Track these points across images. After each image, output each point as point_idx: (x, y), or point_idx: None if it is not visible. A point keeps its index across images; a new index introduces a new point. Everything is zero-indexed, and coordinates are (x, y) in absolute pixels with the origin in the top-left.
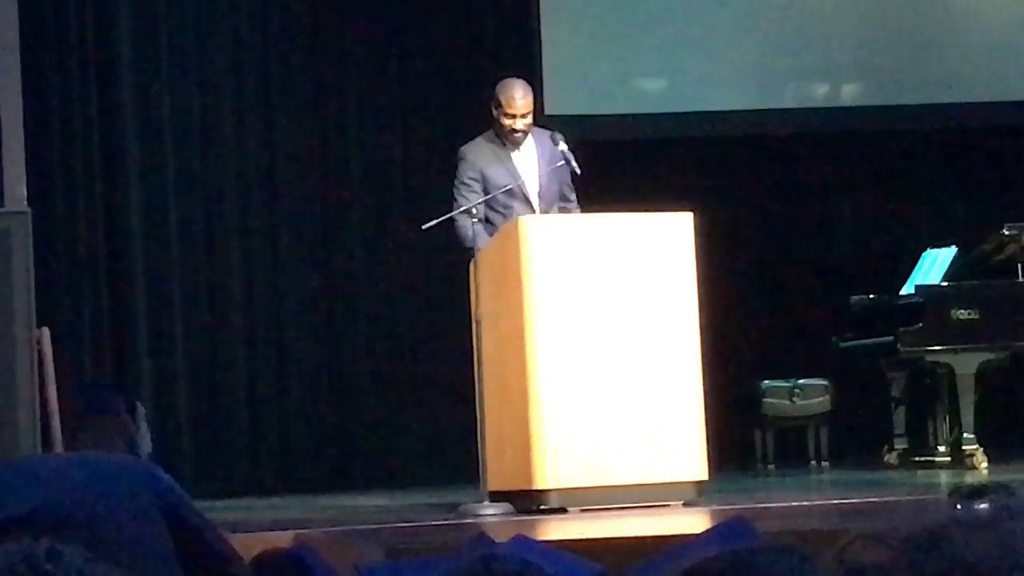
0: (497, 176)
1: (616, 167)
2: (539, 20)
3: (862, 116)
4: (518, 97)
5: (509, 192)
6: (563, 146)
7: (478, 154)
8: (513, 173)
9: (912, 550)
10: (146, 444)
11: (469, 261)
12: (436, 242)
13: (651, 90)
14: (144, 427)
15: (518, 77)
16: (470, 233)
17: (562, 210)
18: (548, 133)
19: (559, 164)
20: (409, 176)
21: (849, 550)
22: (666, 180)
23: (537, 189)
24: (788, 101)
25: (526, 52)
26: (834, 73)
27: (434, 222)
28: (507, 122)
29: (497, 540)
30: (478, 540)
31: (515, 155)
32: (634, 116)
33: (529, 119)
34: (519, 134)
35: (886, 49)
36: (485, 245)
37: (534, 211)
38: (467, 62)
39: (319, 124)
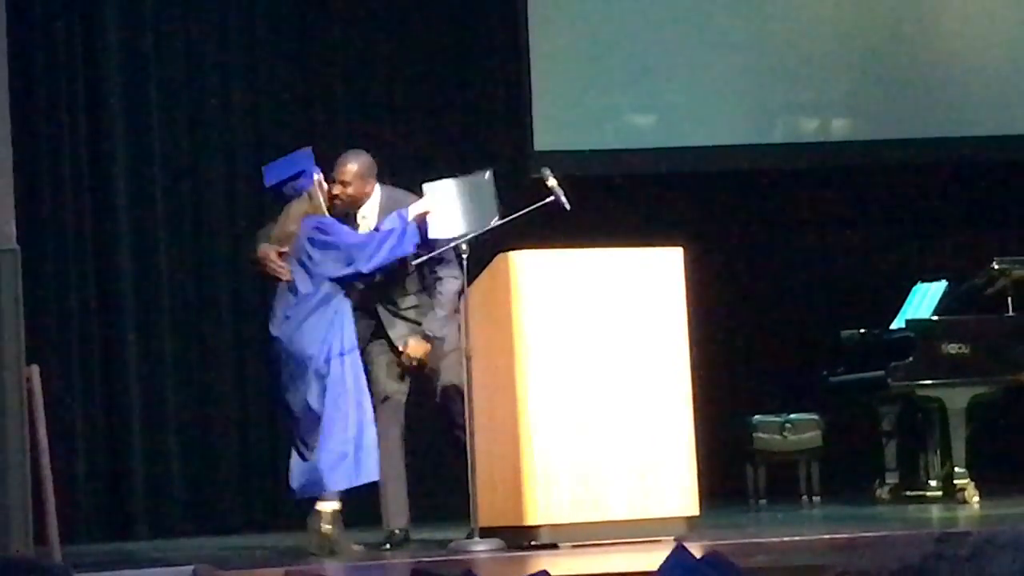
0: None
1: (606, 202)
2: (529, 56)
3: (852, 151)
4: (341, 163)
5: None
6: (552, 181)
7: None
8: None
9: None
10: None
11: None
12: None
13: (641, 125)
14: None
15: (508, 114)
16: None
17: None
18: (402, 191)
19: (547, 200)
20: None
21: None
22: (656, 215)
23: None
24: (778, 136)
25: (516, 87)
26: (824, 108)
27: (424, 258)
28: (336, 189)
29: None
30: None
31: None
32: (624, 151)
33: (352, 188)
34: (339, 202)
35: (876, 84)
36: (475, 280)
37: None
38: (458, 99)
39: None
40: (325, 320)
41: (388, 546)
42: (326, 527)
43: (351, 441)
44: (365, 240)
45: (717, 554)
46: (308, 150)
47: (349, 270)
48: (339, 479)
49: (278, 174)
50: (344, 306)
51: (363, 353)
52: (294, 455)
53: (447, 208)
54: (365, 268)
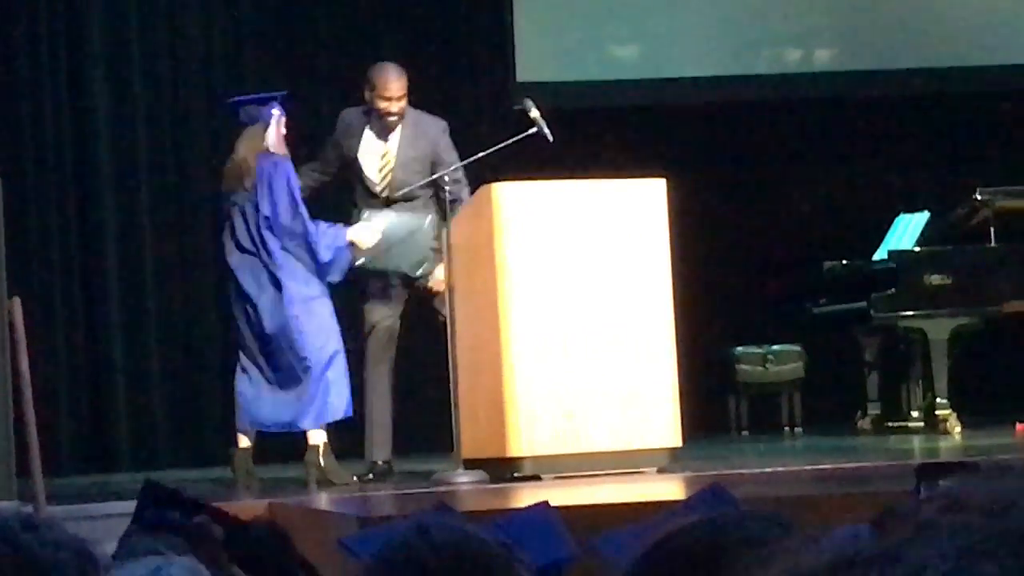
0: (350, 149)
1: (588, 134)
2: None
3: (835, 82)
4: (392, 80)
5: (355, 174)
6: (535, 112)
7: (346, 121)
8: (368, 150)
9: None
10: None
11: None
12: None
13: (623, 57)
14: None
15: (491, 45)
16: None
17: (437, 191)
18: (440, 124)
19: (529, 132)
20: None
21: None
22: (639, 147)
23: (384, 178)
24: (761, 67)
25: (498, 19)
26: (807, 39)
27: (406, 190)
28: (382, 105)
29: (471, 507)
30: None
31: (374, 138)
32: (606, 83)
33: (403, 103)
34: (393, 118)
35: (859, 15)
36: (458, 213)
37: (375, 196)
38: (441, 32)
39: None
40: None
41: (371, 477)
42: (323, 460)
43: (324, 377)
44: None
45: (717, 485)
46: (285, 92)
47: (310, 250)
48: (321, 414)
49: (244, 99)
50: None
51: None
52: (264, 390)
53: (380, 240)
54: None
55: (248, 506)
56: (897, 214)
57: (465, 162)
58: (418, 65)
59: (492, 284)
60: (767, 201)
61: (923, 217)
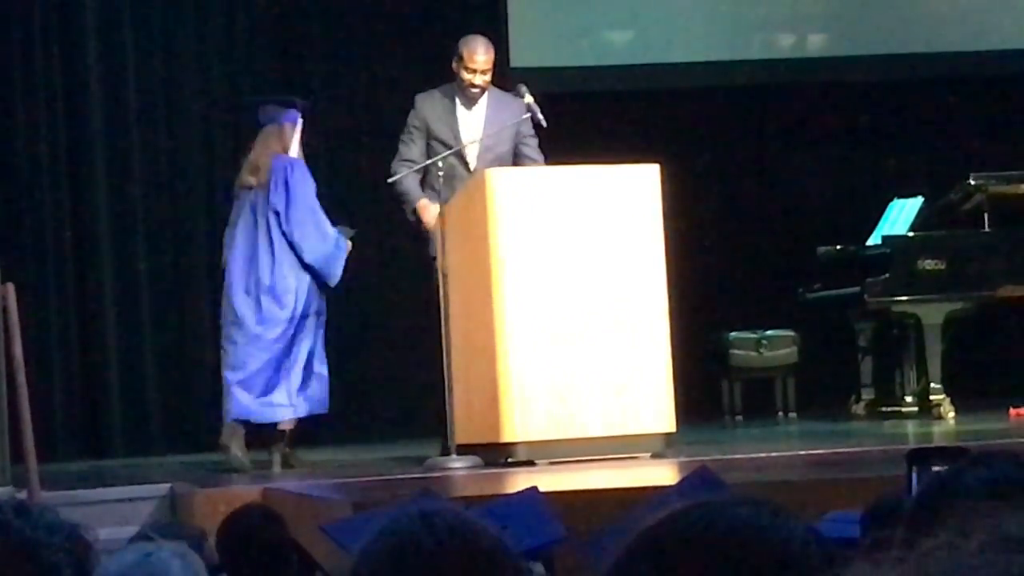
0: (440, 131)
1: (582, 119)
2: None
3: (828, 67)
4: (480, 52)
5: (453, 152)
6: (528, 98)
7: (428, 105)
8: (455, 131)
9: None
10: None
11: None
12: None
13: (617, 42)
14: None
15: (484, 30)
16: (410, 189)
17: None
18: (510, 94)
19: (524, 117)
20: (374, 127)
21: None
22: (632, 132)
23: (476, 151)
24: (754, 52)
25: (491, 5)
26: (800, 24)
27: (397, 176)
28: (467, 76)
29: (465, 492)
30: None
31: (463, 114)
32: (600, 68)
33: (488, 76)
34: (476, 90)
35: (851, 0)
36: (452, 198)
37: (470, 172)
38: (433, 14)
39: (284, 79)
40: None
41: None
42: (285, 447)
43: (312, 370)
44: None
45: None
46: (306, 101)
47: (320, 262)
48: (307, 406)
49: (263, 100)
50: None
51: None
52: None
53: None
54: (332, 282)
55: (243, 491)
56: (891, 199)
57: (463, 146)
58: (412, 51)
59: (486, 270)
60: (761, 186)
61: (917, 202)
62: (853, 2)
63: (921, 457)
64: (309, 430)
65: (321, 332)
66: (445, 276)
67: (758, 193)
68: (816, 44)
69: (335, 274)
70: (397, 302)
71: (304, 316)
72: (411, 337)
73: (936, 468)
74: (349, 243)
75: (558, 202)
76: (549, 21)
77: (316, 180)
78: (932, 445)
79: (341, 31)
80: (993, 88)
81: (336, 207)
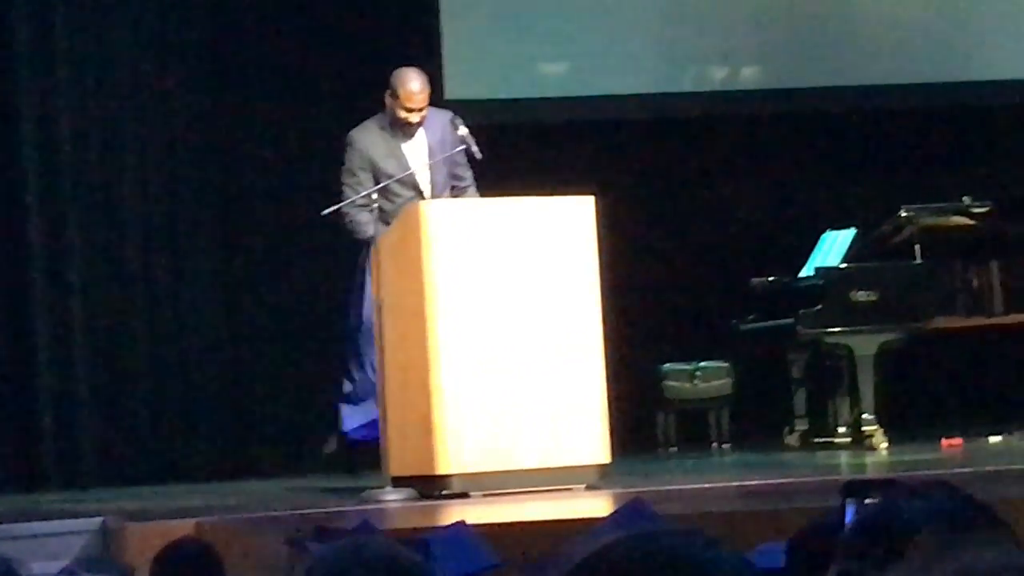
0: (387, 166)
1: (517, 151)
2: (439, 5)
3: (761, 99)
4: (416, 91)
5: (400, 182)
6: (463, 130)
7: (368, 142)
8: (403, 163)
9: None
10: None
11: (360, 250)
12: (336, 227)
13: (552, 74)
14: None
15: (419, 62)
16: (361, 224)
17: (456, 192)
18: (446, 116)
19: (458, 149)
20: (309, 161)
21: None
22: (567, 164)
23: (428, 177)
24: (688, 84)
25: (426, 36)
26: (733, 57)
27: (333, 208)
28: (403, 114)
29: (400, 525)
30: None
31: (405, 144)
32: (535, 100)
33: (425, 112)
34: (414, 127)
35: (784, 33)
36: (385, 231)
37: (424, 199)
38: (367, 46)
39: (217, 111)
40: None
41: None
42: None
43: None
44: None
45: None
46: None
47: None
48: None
49: None
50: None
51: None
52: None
53: None
54: None
55: (176, 525)
56: (824, 231)
57: (393, 179)
58: (346, 82)
59: (420, 301)
60: (695, 218)
61: (849, 234)
62: (786, 35)
63: (855, 489)
64: (242, 462)
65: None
66: (380, 308)
67: (692, 225)
68: (749, 76)
69: None
70: (335, 334)
71: None
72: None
73: (870, 500)
74: None
75: (493, 233)
76: (484, 53)
77: (259, 215)
78: (866, 477)
79: (274, 62)
80: (924, 120)
81: (274, 240)
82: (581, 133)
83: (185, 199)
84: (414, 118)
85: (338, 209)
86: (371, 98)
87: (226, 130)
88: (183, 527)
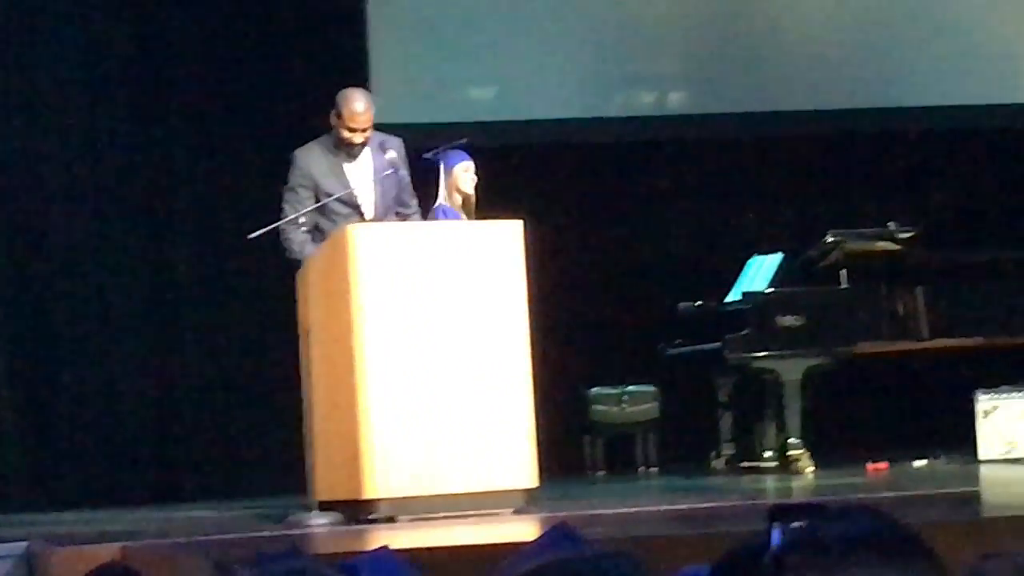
0: (329, 185)
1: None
2: (367, 29)
3: (688, 124)
4: (359, 112)
5: (341, 201)
6: (391, 154)
7: (311, 161)
8: (344, 183)
9: None
10: None
11: (296, 270)
12: (265, 251)
13: (480, 99)
14: None
15: (346, 86)
16: (295, 244)
17: (400, 217)
18: (390, 140)
19: (386, 172)
20: (237, 184)
21: None
22: (496, 188)
23: (372, 199)
24: (615, 109)
25: (354, 61)
26: (661, 82)
27: (260, 231)
28: (347, 134)
29: (325, 549)
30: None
31: (348, 165)
32: (463, 124)
33: (369, 132)
34: (356, 147)
35: (712, 58)
36: (313, 254)
37: (365, 221)
38: (295, 71)
39: (145, 136)
40: None
41: None
42: None
43: None
44: None
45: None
46: (441, 149)
47: None
48: None
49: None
50: None
51: None
52: None
53: None
54: None
55: (101, 550)
56: (750, 255)
57: (321, 203)
58: (273, 105)
59: (348, 326)
60: (622, 242)
61: (776, 258)
62: (713, 61)
63: (782, 513)
64: (168, 487)
65: None
66: (307, 332)
67: (619, 249)
68: (676, 102)
69: None
70: (263, 356)
71: None
72: (276, 392)
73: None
74: None
75: (421, 258)
76: (412, 78)
77: (188, 238)
78: (793, 501)
79: (203, 86)
80: (850, 146)
81: (203, 265)
82: (510, 157)
83: (113, 222)
84: (357, 138)
85: (270, 229)
86: (301, 123)
87: (155, 151)
88: (109, 551)
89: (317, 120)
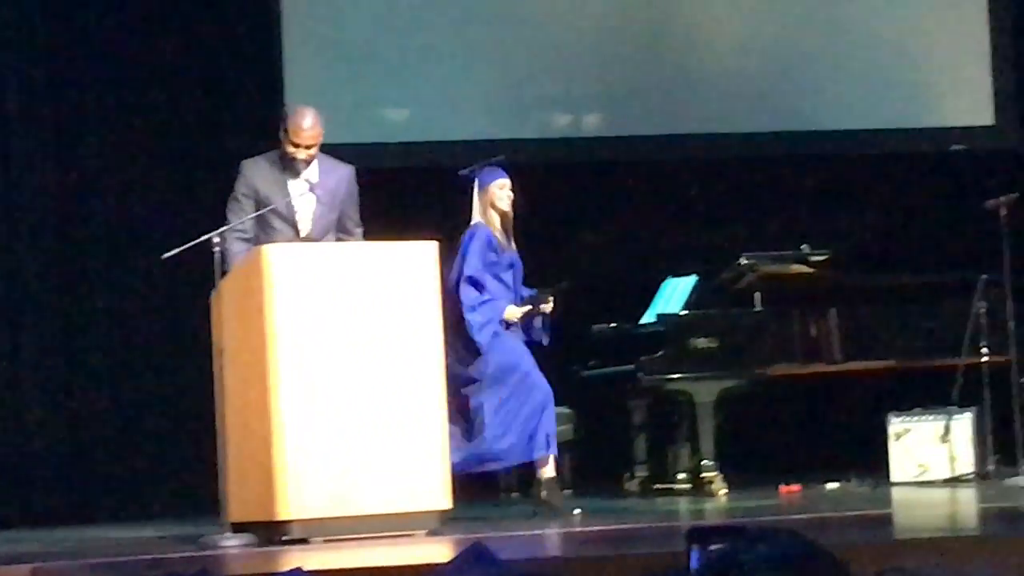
0: (269, 198)
1: (360, 196)
2: (282, 49)
3: (603, 146)
4: (304, 128)
5: (279, 216)
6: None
7: (256, 172)
8: (285, 197)
9: None
10: None
11: (210, 291)
12: (178, 271)
13: (394, 119)
14: None
15: (260, 107)
16: (234, 253)
17: (340, 241)
18: (336, 160)
19: (343, 196)
20: (149, 205)
21: None
22: (411, 209)
23: (309, 217)
24: (531, 131)
25: (269, 81)
26: (576, 104)
27: (176, 251)
28: (290, 149)
29: (237, 571)
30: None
31: (292, 181)
32: (377, 145)
33: (315, 149)
34: (300, 163)
35: (626, 81)
36: (228, 275)
37: (299, 239)
38: (212, 94)
39: (56, 158)
40: None
41: None
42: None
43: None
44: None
45: (479, 545)
46: (476, 167)
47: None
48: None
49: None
50: None
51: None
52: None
53: None
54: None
55: (11, 571)
56: (665, 277)
57: (237, 223)
58: (188, 125)
59: (262, 346)
60: (536, 263)
61: (690, 281)
62: (628, 83)
63: (700, 535)
64: (80, 508)
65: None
66: (220, 352)
67: (533, 270)
68: (592, 124)
69: (476, 340)
70: (176, 377)
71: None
72: (190, 413)
73: (715, 546)
74: (547, 304)
75: (336, 279)
76: (326, 97)
77: (99, 259)
78: (711, 523)
79: (116, 108)
80: (764, 169)
81: (114, 286)
82: (424, 178)
83: (23, 239)
84: (301, 154)
85: (190, 246)
86: (214, 141)
87: (67, 172)
88: (20, 572)
89: (233, 142)
